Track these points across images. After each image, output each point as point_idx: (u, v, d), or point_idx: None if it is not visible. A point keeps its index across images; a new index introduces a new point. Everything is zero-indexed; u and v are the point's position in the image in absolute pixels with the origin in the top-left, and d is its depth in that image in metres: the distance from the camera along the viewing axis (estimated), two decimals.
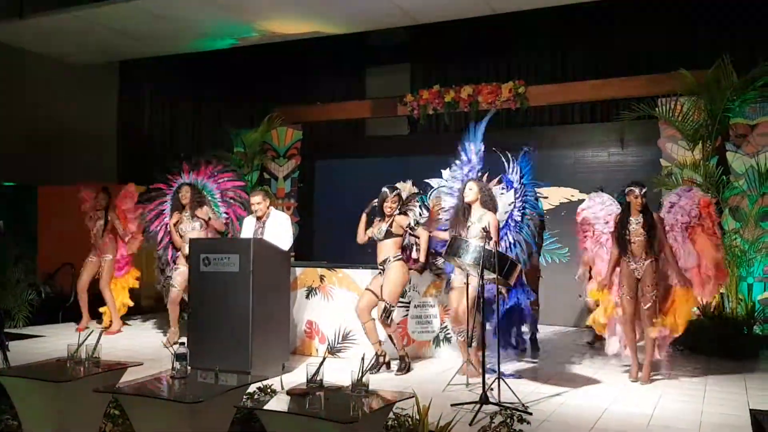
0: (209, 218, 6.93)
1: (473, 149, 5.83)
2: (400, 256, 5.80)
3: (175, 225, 6.98)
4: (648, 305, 5.37)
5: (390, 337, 5.80)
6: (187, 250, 6.79)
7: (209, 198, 7.29)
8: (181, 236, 6.92)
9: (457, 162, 5.97)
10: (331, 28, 8.54)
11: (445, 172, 6.08)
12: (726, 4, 7.98)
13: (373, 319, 5.80)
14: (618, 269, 5.54)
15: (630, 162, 8.84)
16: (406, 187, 6.17)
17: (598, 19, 8.53)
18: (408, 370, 5.78)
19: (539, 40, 9.28)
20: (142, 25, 8.38)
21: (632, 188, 5.39)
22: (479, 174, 5.80)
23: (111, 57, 9.98)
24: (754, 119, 7.48)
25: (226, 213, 7.39)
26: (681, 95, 7.47)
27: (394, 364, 5.86)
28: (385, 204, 5.79)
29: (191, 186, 7.05)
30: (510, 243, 5.57)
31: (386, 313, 5.66)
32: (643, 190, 5.36)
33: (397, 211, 5.81)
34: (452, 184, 5.98)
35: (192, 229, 6.90)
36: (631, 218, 5.42)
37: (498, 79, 9.26)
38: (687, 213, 5.54)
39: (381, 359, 5.81)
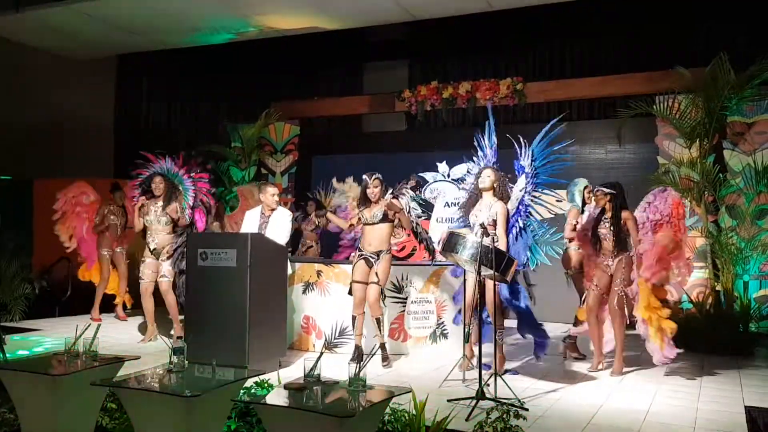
0: (178, 216, 6.77)
1: (487, 144, 5.85)
2: (390, 249, 5.92)
3: (140, 209, 6.80)
4: (615, 299, 5.55)
5: (378, 320, 5.84)
6: (152, 243, 6.78)
7: (182, 192, 6.99)
8: (145, 226, 6.81)
9: (474, 159, 5.97)
10: (329, 24, 8.53)
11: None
12: (724, 1, 7.98)
13: (363, 313, 5.89)
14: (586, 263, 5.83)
15: (627, 159, 8.85)
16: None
17: (596, 16, 8.53)
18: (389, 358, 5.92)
19: (537, 37, 9.28)
20: (139, 19, 8.36)
21: (600, 189, 5.62)
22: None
23: (108, 51, 9.95)
24: (751, 117, 7.51)
25: (189, 215, 7.04)
26: (679, 93, 7.48)
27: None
28: (368, 190, 5.80)
29: (164, 177, 6.84)
30: (520, 229, 5.55)
31: (383, 296, 5.90)
32: (608, 191, 5.57)
33: (389, 196, 5.81)
34: (468, 179, 5.99)
35: (158, 222, 6.75)
36: (604, 217, 5.65)
37: (496, 76, 9.27)
38: (659, 211, 5.73)
39: (361, 350, 5.88)
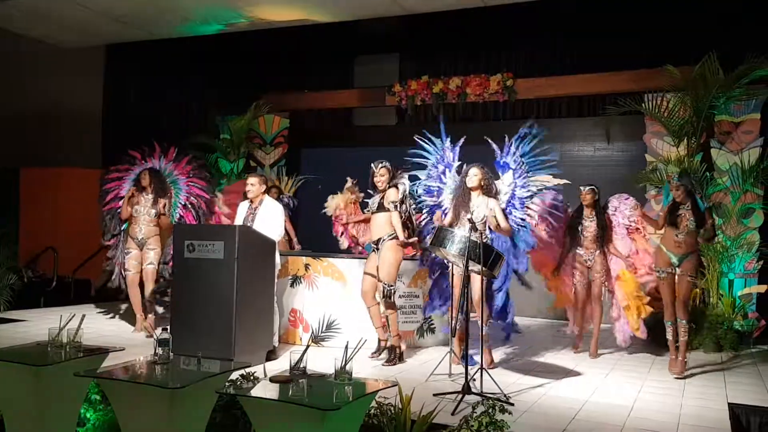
0: (164, 213, 6.89)
1: (446, 146, 5.96)
2: (394, 234, 5.70)
3: (129, 199, 6.87)
4: (596, 288, 6.30)
5: (387, 319, 5.78)
6: (135, 231, 6.81)
7: (173, 192, 7.16)
8: (132, 216, 6.86)
9: (429, 166, 6.05)
10: (321, 16, 8.48)
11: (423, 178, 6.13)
12: (714, 1, 8.01)
13: (378, 303, 5.83)
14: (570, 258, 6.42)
15: (615, 157, 8.89)
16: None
17: (587, 13, 8.53)
18: (399, 361, 5.73)
19: (528, 34, 9.26)
20: (129, 8, 8.28)
21: (592, 188, 6.24)
22: (455, 167, 5.92)
23: (97, 40, 9.84)
24: (738, 117, 7.54)
25: (181, 214, 7.22)
26: (667, 91, 7.51)
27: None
28: (374, 178, 5.79)
29: (151, 171, 6.95)
30: (518, 222, 5.64)
31: (387, 294, 5.68)
32: (596, 191, 6.25)
33: (388, 185, 5.78)
34: (429, 183, 6.04)
35: (147, 214, 6.83)
36: (585, 214, 6.26)
37: (487, 71, 9.26)
38: (627, 218, 6.42)
39: (383, 344, 5.84)
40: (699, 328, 6.69)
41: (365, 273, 5.91)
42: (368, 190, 6.15)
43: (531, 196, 5.71)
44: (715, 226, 5.91)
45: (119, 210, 7.05)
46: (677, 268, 5.59)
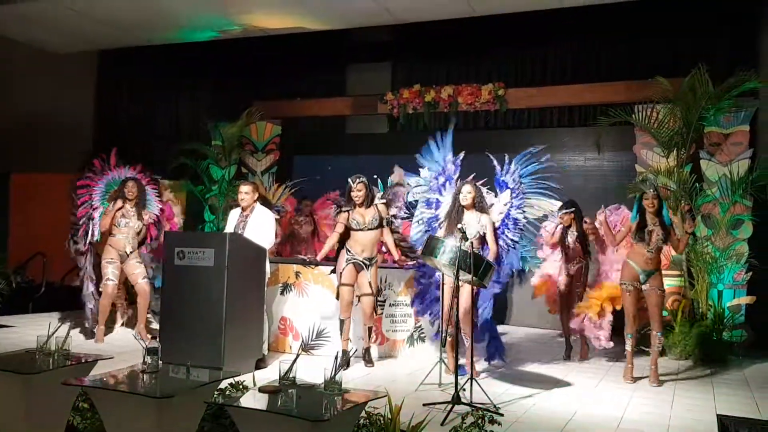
0: (147, 223, 6.96)
1: (448, 159, 5.91)
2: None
3: (117, 210, 6.72)
4: (572, 296, 6.68)
5: (370, 329, 6.00)
6: (121, 244, 6.73)
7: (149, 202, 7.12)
8: (114, 227, 6.74)
9: (429, 173, 6.02)
10: (314, 24, 8.51)
11: (418, 185, 6.11)
12: (705, 13, 8.08)
13: (350, 317, 5.91)
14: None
15: (606, 167, 8.93)
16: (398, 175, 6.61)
17: (578, 24, 8.58)
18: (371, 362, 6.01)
19: (520, 44, 9.31)
20: (122, 14, 8.26)
21: (564, 212, 6.52)
22: (456, 180, 5.90)
23: (90, 46, 9.81)
24: (727, 128, 7.60)
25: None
26: (657, 102, 7.56)
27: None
28: (351, 193, 5.80)
29: (138, 182, 6.91)
30: (509, 243, 5.63)
31: (376, 306, 5.99)
32: (571, 210, 6.58)
33: (380, 201, 5.79)
34: (429, 195, 6.02)
35: (133, 227, 6.80)
36: (569, 230, 6.68)
37: (478, 81, 9.30)
38: (614, 227, 6.57)
39: (349, 355, 5.83)
40: (688, 339, 6.71)
41: (346, 285, 5.88)
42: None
43: (529, 221, 5.73)
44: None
45: (83, 220, 6.93)
46: (644, 284, 5.57)
